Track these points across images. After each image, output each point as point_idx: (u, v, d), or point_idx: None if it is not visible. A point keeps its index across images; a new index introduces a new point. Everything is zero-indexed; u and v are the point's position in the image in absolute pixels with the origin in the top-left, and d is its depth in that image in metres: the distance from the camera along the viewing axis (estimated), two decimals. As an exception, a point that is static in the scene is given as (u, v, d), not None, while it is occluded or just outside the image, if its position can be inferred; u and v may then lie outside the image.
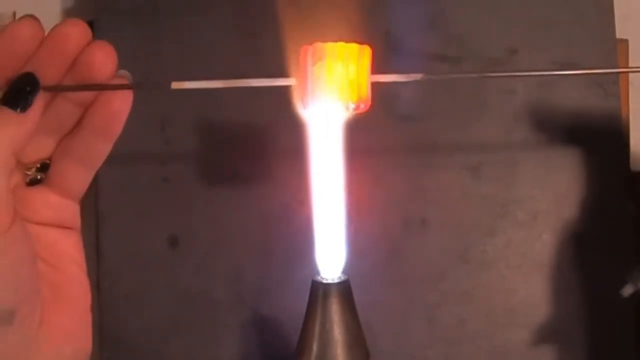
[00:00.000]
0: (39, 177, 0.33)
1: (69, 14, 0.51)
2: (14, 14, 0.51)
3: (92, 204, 0.49)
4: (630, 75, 0.52)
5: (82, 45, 0.31)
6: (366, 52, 0.31)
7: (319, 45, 0.31)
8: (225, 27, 0.49)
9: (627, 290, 0.39)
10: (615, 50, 0.49)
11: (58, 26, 0.30)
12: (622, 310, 0.48)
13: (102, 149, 0.33)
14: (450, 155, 0.49)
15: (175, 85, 0.31)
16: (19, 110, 0.29)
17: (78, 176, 0.33)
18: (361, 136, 0.45)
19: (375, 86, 0.33)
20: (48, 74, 0.30)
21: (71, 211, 0.34)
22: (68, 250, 0.33)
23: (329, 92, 0.31)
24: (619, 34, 0.50)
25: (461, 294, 0.49)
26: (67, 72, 0.31)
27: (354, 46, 0.31)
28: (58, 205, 0.33)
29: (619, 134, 0.49)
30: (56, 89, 0.31)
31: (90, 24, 0.48)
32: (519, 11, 0.50)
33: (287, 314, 0.47)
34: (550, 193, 0.49)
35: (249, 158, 0.48)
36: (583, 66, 0.49)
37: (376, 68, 0.34)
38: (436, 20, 0.49)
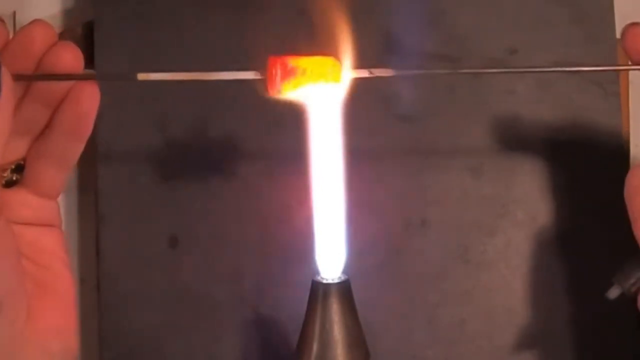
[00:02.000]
0: (14, 178, 0.33)
1: (69, 14, 0.51)
2: (14, 13, 0.51)
3: (92, 204, 0.49)
4: (630, 74, 0.52)
5: (47, 45, 0.31)
6: (334, 65, 0.32)
7: (287, 60, 0.31)
8: (226, 27, 0.49)
9: (614, 293, 0.39)
10: (615, 50, 0.49)
11: (23, 27, 0.30)
12: (622, 310, 0.48)
13: (74, 149, 0.33)
14: (450, 155, 0.49)
15: (141, 76, 0.32)
16: None
17: (53, 176, 0.33)
18: (361, 136, 0.45)
19: (374, 86, 0.33)
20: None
21: (50, 209, 0.34)
22: (50, 247, 0.33)
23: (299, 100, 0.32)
24: (619, 34, 0.50)
25: (461, 294, 0.49)
26: (33, 73, 0.31)
27: (320, 60, 0.32)
28: (36, 205, 0.33)
29: (619, 134, 0.49)
30: (25, 78, 0.30)
31: (90, 24, 0.48)
32: (519, 11, 0.50)
33: (287, 314, 0.47)
34: (550, 193, 0.49)
35: (249, 158, 0.48)
36: (583, 66, 0.49)
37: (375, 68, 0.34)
38: (436, 20, 0.49)
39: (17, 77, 0.30)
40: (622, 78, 0.50)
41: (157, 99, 0.48)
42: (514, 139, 0.49)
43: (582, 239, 0.49)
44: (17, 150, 0.32)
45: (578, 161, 0.49)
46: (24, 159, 0.33)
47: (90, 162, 0.49)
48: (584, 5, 0.49)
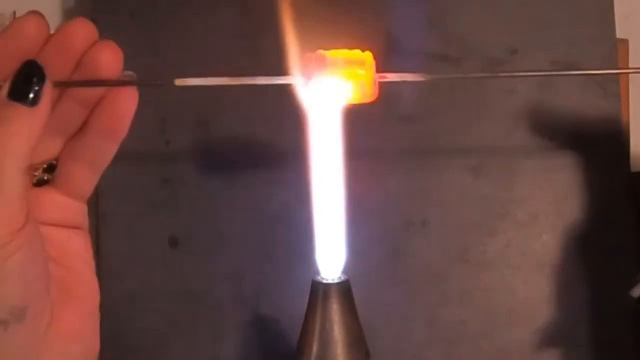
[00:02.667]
0: (45, 177, 0.32)
1: (69, 14, 0.51)
2: (14, 13, 0.51)
3: (92, 204, 0.49)
4: (631, 74, 0.52)
5: (88, 44, 0.30)
6: (368, 57, 0.32)
7: (322, 53, 0.31)
8: (225, 27, 0.49)
9: (637, 291, 0.40)
10: (615, 50, 0.49)
11: (65, 24, 0.30)
12: (622, 310, 0.48)
13: (109, 150, 0.33)
14: (450, 155, 0.49)
15: (178, 82, 0.32)
16: (29, 104, 0.28)
17: (85, 177, 0.33)
18: (361, 136, 0.45)
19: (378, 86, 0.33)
20: (54, 73, 0.30)
21: (78, 211, 0.34)
22: (77, 250, 0.33)
23: (333, 96, 0.31)
24: (619, 34, 0.50)
25: (461, 294, 0.49)
26: (72, 71, 0.31)
27: (356, 52, 0.32)
28: (65, 206, 0.33)
29: (619, 134, 0.49)
30: (64, 84, 0.30)
31: (90, 24, 0.48)
32: (519, 11, 0.50)
33: (287, 314, 0.47)
34: (550, 193, 0.49)
35: (249, 158, 0.48)
36: (583, 66, 0.49)
37: (376, 68, 0.34)
38: (436, 20, 0.49)
39: (57, 84, 0.30)
40: (622, 78, 0.50)
41: (157, 99, 0.48)
42: (514, 139, 0.49)
43: (581, 238, 0.49)
44: (50, 149, 0.32)
45: (578, 161, 0.49)
46: (57, 159, 0.33)
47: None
48: (584, 5, 0.49)
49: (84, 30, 0.30)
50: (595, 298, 0.48)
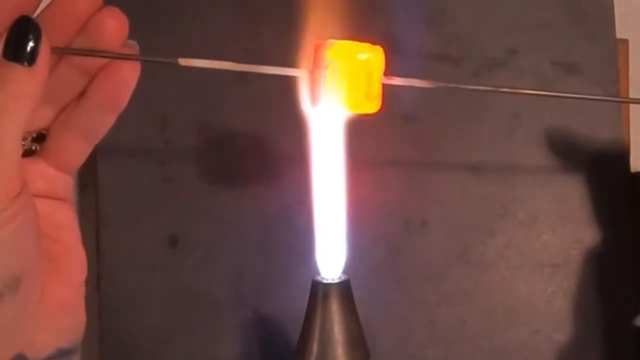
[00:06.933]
0: (33, 147, 0.31)
1: None
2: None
3: (92, 204, 0.49)
4: (630, 74, 0.52)
5: (92, 9, 0.29)
6: (379, 53, 0.31)
7: (332, 44, 0.31)
8: (226, 27, 0.49)
9: None
10: (616, 50, 0.49)
11: None
12: (620, 309, 0.48)
13: (106, 122, 0.32)
14: (450, 155, 0.49)
15: (183, 61, 0.31)
16: (26, 63, 0.27)
17: (77, 149, 0.32)
18: (361, 136, 0.45)
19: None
20: (54, 38, 0.28)
21: (64, 184, 0.32)
22: (63, 222, 0.32)
23: (339, 94, 0.31)
24: (619, 34, 0.50)
25: (461, 294, 0.49)
26: (74, 36, 0.29)
27: (366, 46, 0.31)
28: (52, 178, 0.32)
29: (619, 134, 0.49)
30: (62, 51, 0.29)
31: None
32: (519, 11, 0.50)
33: (287, 314, 0.47)
34: (550, 193, 0.49)
35: (249, 158, 0.48)
36: (583, 66, 0.49)
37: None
38: (436, 20, 0.49)
39: (55, 50, 0.28)
40: (622, 78, 0.50)
41: (157, 98, 0.48)
42: (514, 139, 0.49)
43: (580, 239, 0.49)
44: (42, 118, 0.31)
45: (578, 161, 0.49)
46: (47, 129, 0.31)
47: (90, 162, 0.49)
48: (584, 5, 0.49)
49: None
50: (592, 298, 0.48)
